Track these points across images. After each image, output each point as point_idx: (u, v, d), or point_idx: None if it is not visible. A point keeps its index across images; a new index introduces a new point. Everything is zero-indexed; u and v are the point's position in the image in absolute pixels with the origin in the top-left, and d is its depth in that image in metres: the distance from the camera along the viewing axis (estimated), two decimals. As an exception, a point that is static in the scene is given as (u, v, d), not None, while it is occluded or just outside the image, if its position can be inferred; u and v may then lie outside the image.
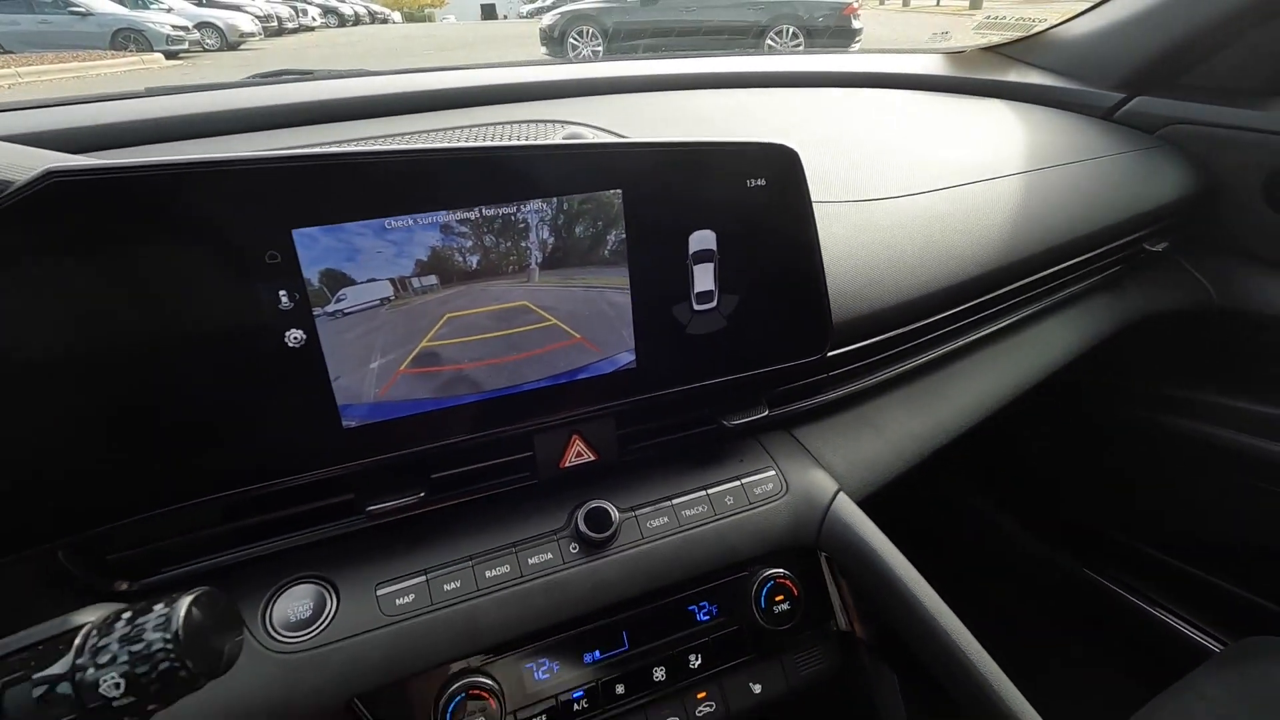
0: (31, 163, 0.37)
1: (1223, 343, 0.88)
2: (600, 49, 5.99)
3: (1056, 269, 0.71)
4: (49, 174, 0.30)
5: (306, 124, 0.66)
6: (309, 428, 0.37)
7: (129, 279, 0.32)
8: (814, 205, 0.47)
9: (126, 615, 0.24)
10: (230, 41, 8.85)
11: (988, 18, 0.96)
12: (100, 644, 0.23)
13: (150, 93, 0.69)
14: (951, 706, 0.46)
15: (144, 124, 0.60)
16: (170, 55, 7.71)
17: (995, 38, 0.99)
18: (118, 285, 0.32)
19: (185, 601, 0.24)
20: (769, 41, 5.91)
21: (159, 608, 0.24)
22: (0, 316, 0.30)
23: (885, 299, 0.54)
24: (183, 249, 0.33)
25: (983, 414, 0.66)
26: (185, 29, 8.17)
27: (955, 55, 1.00)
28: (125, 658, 0.23)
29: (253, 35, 9.48)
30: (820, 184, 0.59)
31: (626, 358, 0.44)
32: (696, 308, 0.45)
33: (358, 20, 13.43)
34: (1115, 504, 1.01)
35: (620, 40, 5.93)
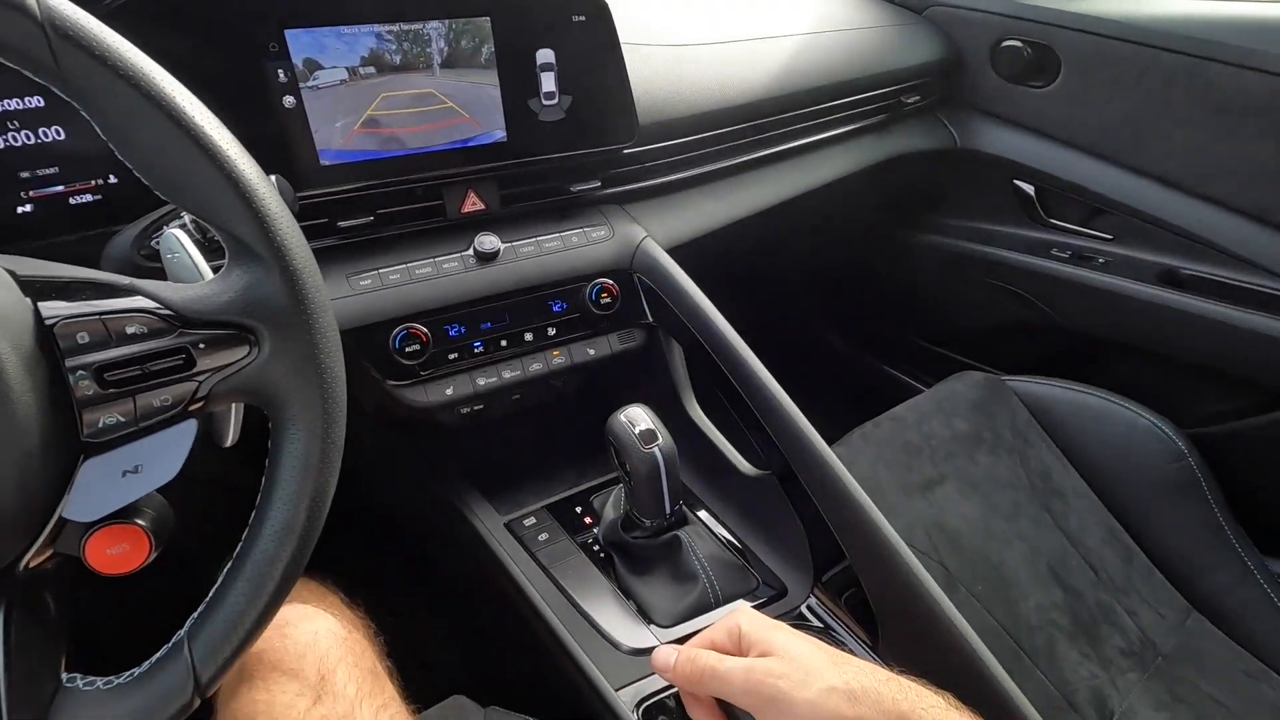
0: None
1: (961, 175, 1.20)
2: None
3: (829, 105, 1.00)
4: (145, -16, 0.52)
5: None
6: (302, 161, 0.61)
7: (206, 57, 0.55)
8: (635, 46, 0.72)
9: None
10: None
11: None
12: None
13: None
14: (718, 371, 0.77)
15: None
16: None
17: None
18: (198, 61, 0.54)
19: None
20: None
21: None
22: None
23: (683, 111, 0.82)
24: (227, 38, 0.55)
25: (766, 207, 0.95)
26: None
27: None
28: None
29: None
30: (644, 32, 0.84)
31: (499, 134, 0.69)
32: (544, 103, 0.70)
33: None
34: (887, 302, 1.36)
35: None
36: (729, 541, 0.74)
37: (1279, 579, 0.89)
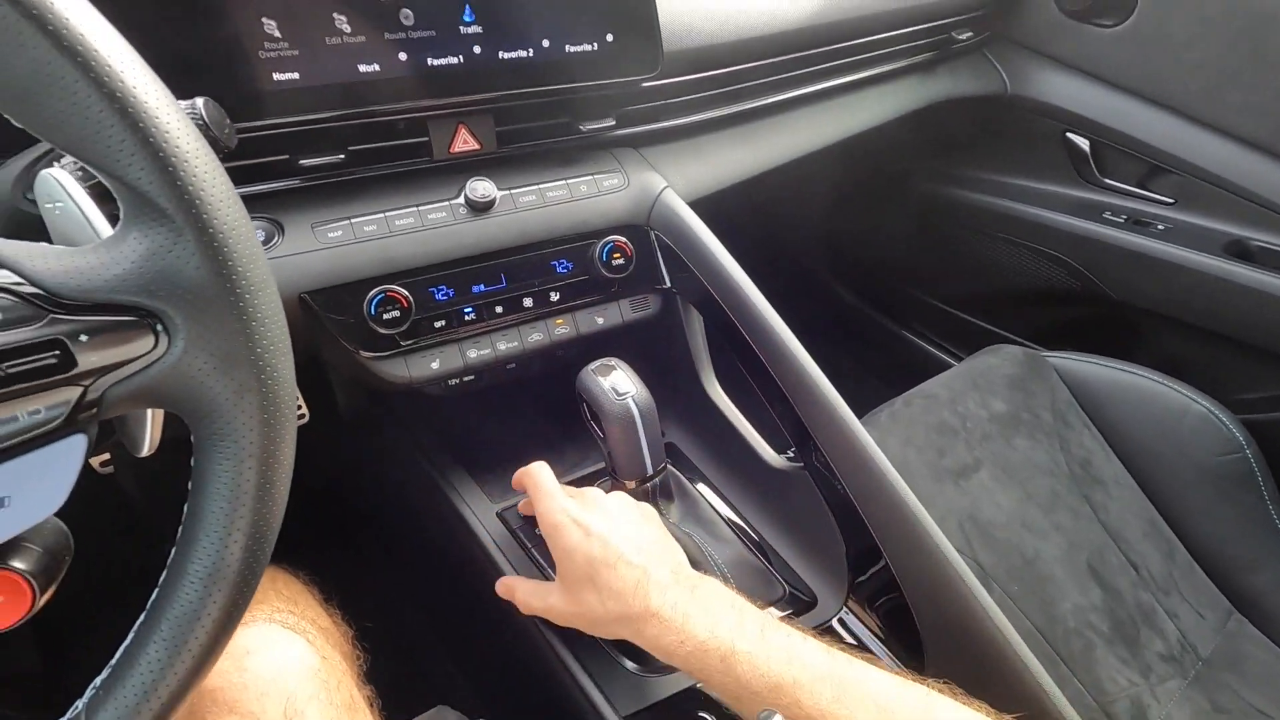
0: None
1: (1007, 126, 1.08)
2: None
3: (871, 39, 0.87)
4: None
5: None
6: (247, 80, 0.50)
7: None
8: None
9: None
10: None
11: None
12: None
13: None
14: (741, 343, 0.67)
15: None
16: None
17: None
18: None
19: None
20: None
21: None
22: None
23: (712, 38, 0.69)
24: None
25: (796, 155, 0.84)
26: None
27: None
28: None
29: None
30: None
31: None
32: (553, 20, 0.58)
33: None
34: (915, 265, 1.26)
35: None
36: (750, 540, 0.66)
37: (1328, 580, 0.83)
